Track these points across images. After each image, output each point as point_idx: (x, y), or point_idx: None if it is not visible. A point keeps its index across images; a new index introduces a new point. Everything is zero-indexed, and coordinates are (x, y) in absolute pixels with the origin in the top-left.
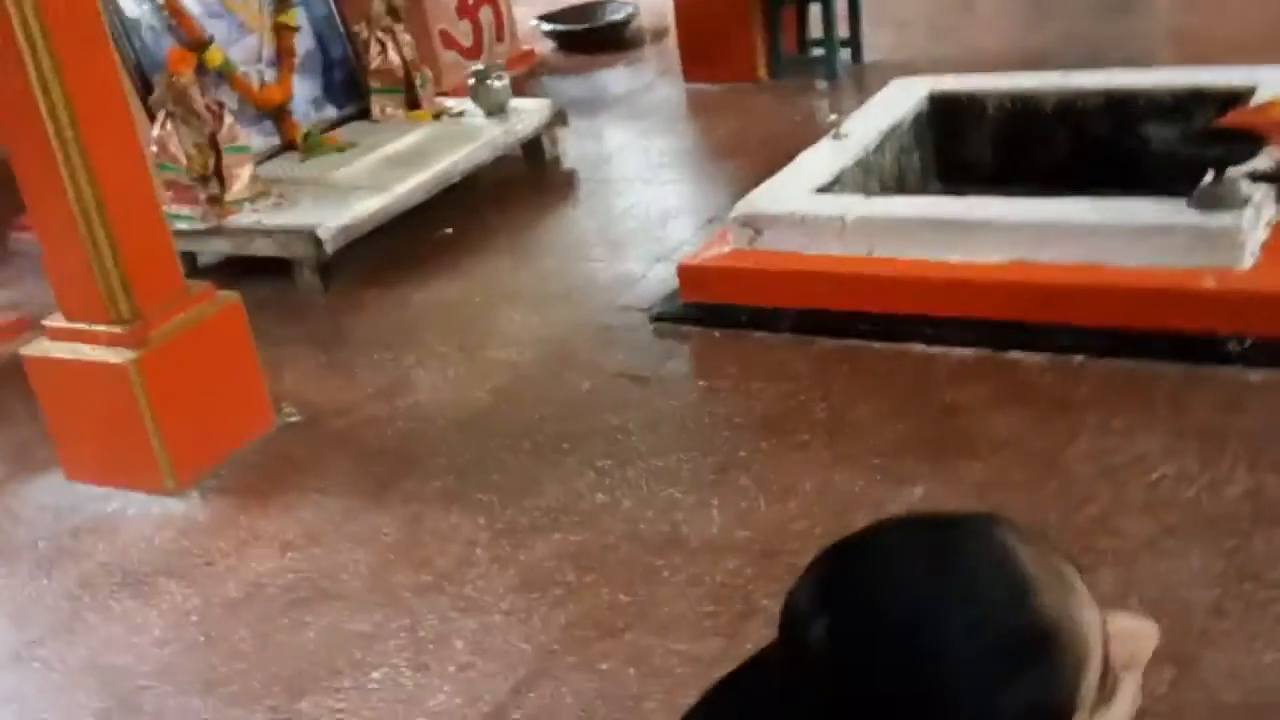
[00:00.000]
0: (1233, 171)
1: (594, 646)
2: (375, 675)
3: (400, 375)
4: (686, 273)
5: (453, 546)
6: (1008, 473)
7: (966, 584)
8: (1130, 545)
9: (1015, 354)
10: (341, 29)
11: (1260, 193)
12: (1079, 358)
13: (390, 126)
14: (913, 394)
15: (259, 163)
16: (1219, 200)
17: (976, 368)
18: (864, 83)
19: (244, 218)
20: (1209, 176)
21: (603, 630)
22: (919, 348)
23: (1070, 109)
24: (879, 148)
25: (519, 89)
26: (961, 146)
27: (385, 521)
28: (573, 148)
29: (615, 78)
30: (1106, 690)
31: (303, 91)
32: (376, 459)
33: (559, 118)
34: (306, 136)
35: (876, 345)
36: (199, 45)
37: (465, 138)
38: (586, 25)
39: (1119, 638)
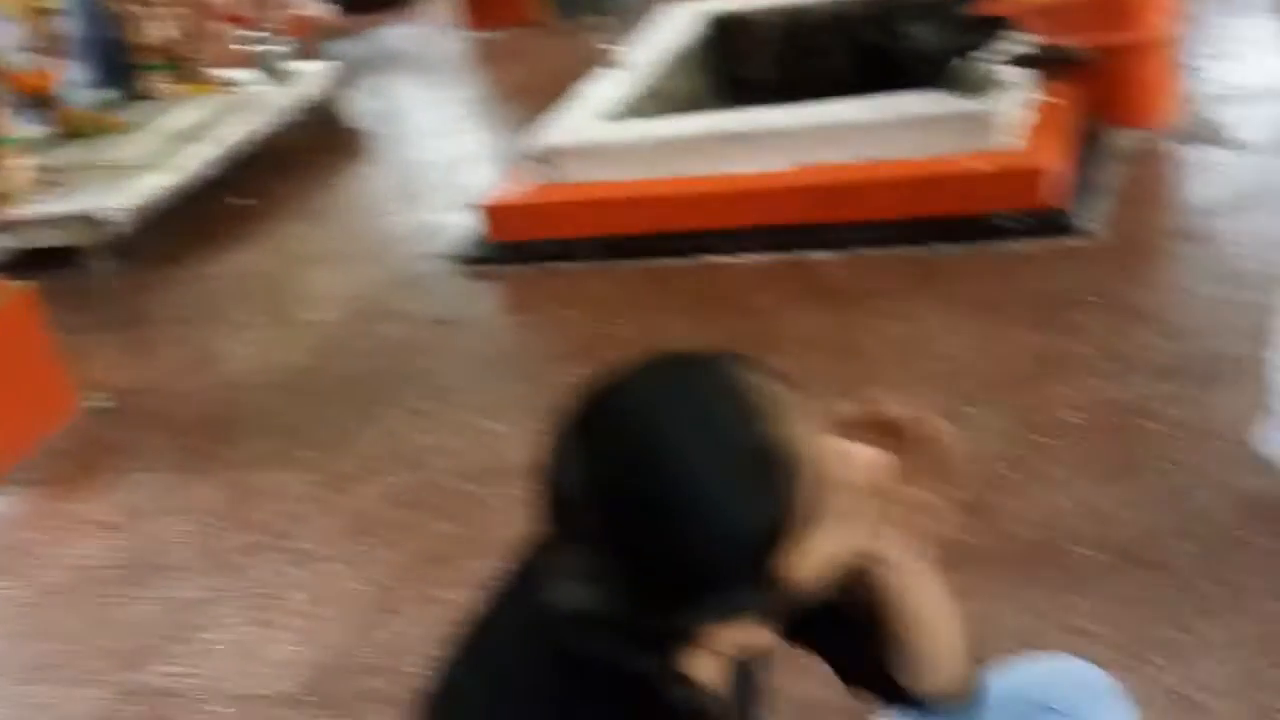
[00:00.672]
0: (983, 57)
1: (433, 578)
2: (215, 637)
3: (208, 348)
4: (489, 214)
5: (280, 505)
6: (809, 363)
7: (701, 411)
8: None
9: (809, 254)
10: (110, 8)
11: (1014, 74)
12: (867, 250)
13: (171, 103)
14: (716, 304)
15: (35, 152)
16: (969, 85)
17: (774, 272)
18: (647, 12)
19: (25, 209)
20: (959, 63)
21: (439, 562)
22: (719, 259)
23: (844, 18)
24: (662, 73)
25: (302, 54)
26: (744, 65)
27: (208, 491)
28: (363, 107)
29: (399, 35)
30: (836, 509)
31: (75, 75)
32: (193, 432)
33: (346, 79)
34: (83, 120)
35: (679, 262)
36: None
37: (250, 108)
38: None
39: (854, 464)
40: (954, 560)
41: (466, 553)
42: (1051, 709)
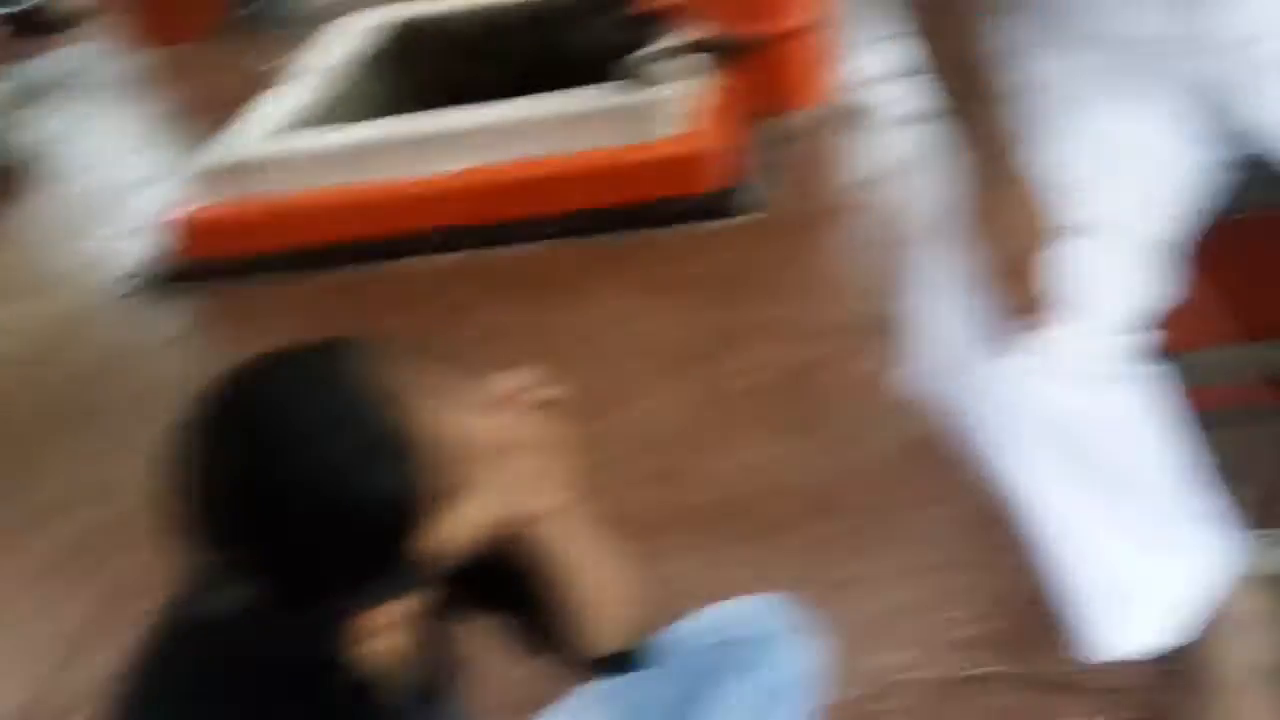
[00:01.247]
0: (649, 51)
1: (127, 612)
2: None
3: None
4: (169, 235)
5: None
6: (503, 353)
7: (321, 400)
8: (618, 391)
9: (498, 251)
10: None
11: (679, 65)
12: (554, 243)
13: None
14: (408, 307)
15: None
16: (637, 78)
17: (464, 270)
18: (327, 22)
19: None
20: (627, 58)
21: (140, 591)
22: (411, 263)
23: (516, 23)
24: (341, 82)
25: None
26: (426, 71)
27: None
28: (23, 136)
29: (56, 59)
30: (473, 479)
31: None
32: None
33: (5, 108)
34: None
35: (370, 269)
36: None
37: None
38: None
39: (485, 434)
40: (644, 527)
41: (163, 582)
42: (731, 640)
